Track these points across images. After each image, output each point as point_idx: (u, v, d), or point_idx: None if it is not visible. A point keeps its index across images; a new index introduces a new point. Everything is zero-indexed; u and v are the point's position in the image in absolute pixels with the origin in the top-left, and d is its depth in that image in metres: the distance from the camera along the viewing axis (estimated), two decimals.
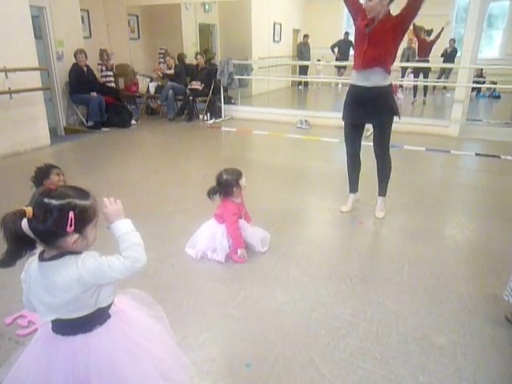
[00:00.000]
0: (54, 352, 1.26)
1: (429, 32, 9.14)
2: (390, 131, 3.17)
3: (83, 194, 1.21)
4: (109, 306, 1.30)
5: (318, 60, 10.47)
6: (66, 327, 1.25)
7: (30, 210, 1.11)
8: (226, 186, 2.67)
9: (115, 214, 1.28)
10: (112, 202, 1.29)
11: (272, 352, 1.88)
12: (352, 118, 3.21)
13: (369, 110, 3.06)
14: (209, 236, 2.72)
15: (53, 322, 1.26)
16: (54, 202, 1.13)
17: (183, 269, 2.60)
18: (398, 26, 2.84)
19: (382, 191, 3.38)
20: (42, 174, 2.63)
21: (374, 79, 2.97)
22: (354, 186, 3.48)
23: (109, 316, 1.31)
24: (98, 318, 1.28)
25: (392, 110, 3.08)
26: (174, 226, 3.21)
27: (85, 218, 1.19)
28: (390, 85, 3.08)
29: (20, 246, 1.14)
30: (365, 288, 2.40)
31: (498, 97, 10.54)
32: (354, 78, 3.09)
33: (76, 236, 1.17)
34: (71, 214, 1.13)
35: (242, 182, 2.71)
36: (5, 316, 2.09)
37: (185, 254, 2.75)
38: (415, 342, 1.96)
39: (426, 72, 9.18)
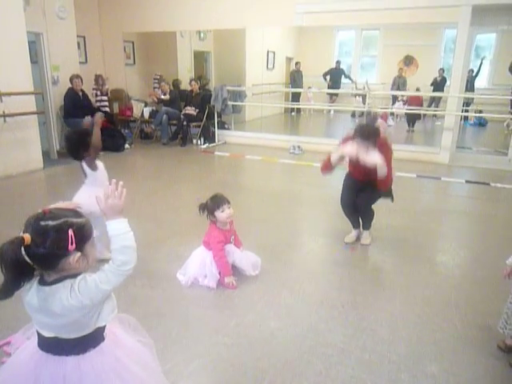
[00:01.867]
0: (42, 370, 1.23)
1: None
2: (378, 198, 3.30)
3: (76, 213, 1.22)
4: (105, 326, 1.29)
5: (309, 87, 10.66)
6: (60, 346, 1.23)
7: (28, 237, 1.10)
8: (209, 210, 2.68)
9: (111, 211, 1.26)
10: (112, 194, 1.27)
11: (264, 381, 1.85)
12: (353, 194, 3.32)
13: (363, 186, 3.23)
14: (199, 262, 2.71)
15: (48, 339, 1.23)
16: (50, 222, 1.13)
17: (174, 295, 2.58)
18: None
19: (367, 226, 3.43)
20: (85, 136, 2.92)
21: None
22: (355, 224, 3.46)
23: (103, 339, 1.29)
24: (93, 339, 1.26)
25: (386, 193, 3.25)
26: (166, 250, 3.19)
27: (83, 235, 1.19)
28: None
29: (19, 275, 1.12)
30: (357, 315, 2.39)
31: (484, 125, 10.76)
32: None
33: (78, 254, 1.16)
34: (70, 232, 1.14)
35: (223, 210, 2.65)
36: None
37: (176, 279, 2.73)
38: (407, 370, 1.94)
39: (414, 120, 9.41)
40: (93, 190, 2.58)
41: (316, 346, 2.11)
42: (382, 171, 3.02)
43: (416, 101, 9.04)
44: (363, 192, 3.26)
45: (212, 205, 2.67)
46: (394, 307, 2.48)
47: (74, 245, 1.14)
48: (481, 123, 10.78)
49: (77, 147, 2.90)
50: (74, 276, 1.18)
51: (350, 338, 2.18)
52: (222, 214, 2.65)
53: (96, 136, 2.95)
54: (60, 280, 1.17)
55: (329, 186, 5.32)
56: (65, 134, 2.98)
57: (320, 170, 3.31)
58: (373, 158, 2.98)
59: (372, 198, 3.29)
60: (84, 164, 2.94)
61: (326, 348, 2.09)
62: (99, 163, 3.01)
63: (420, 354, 2.06)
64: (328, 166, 3.20)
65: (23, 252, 1.10)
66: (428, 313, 2.43)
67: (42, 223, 1.13)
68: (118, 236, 1.24)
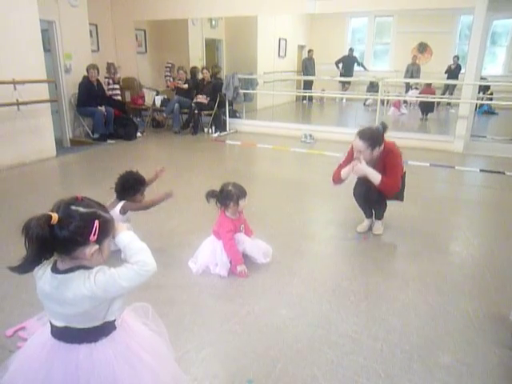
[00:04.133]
0: (55, 358, 1.25)
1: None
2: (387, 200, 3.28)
3: (104, 208, 1.26)
4: (115, 320, 1.30)
5: (323, 90, 10.68)
6: (71, 335, 1.25)
7: (55, 216, 1.11)
8: (225, 196, 2.66)
9: (119, 228, 1.31)
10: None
11: (275, 368, 1.86)
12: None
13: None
14: (210, 251, 2.72)
15: (59, 328, 1.25)
16: (81, 209, 1.16)
17: (186, 283, 2.59)
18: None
19: (379, 216, 3.40)
20: (140, 183, 2.97)
21: None
22: (367, 213, 3.43)
23: (114, 328, 1.30)
24: (104, 329, 1.27)
25: (397, 196, 3.21)
26: (178, 238, 3.20)
27: (106, 230, 1.21)
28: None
29: (41, 251, 1.13)
30: (369, 304, 2.38)
31: (495, 113, 10.56)
32: None
33: (96, 247, 1.18)
34: (96, 223, 1.16)
35: (242, 202, 2.69)
36: (6, 328, 2.08)
37: (188, 267, 2.74)
38: (420, 360, 1.93)
39: (428, 110, 9.25)
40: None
41: (328, 335, 2.10)
42: (375, 181, 3.01)
43: (428, 91, 8.89)
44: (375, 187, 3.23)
45: (236, 192, 2.65)
46: (406, 296, 2.46)
47: (95, 236, 1.16)
48: (490, 111, 10.56)
49: (128, 191, 2.90)
50: (88, 268, 1.19)
51: (362, 327, 2.17)
52: (243, 202, 2.69)
53: (153, 205, 3.01)
54: (73, 270, 1.18)
55: None
56: (123, 173, 2.98)
57: (332, 181, 3.27)
58: (361, 168, 2.99)
59: (384, 199, 3.27)
60: (121, 204, 2.88)
61: (337, 337, 2.08)
62: (128, 216, 2.94)
63: (433, 344, 2.04)
64: (339, 179, 3.19)
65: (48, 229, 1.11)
66: (441, 302, 2.40)
67: (73, 207, 1.15)
68: (131, 242, 1.28)
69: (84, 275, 1.17)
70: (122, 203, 2.87)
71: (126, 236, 1.29)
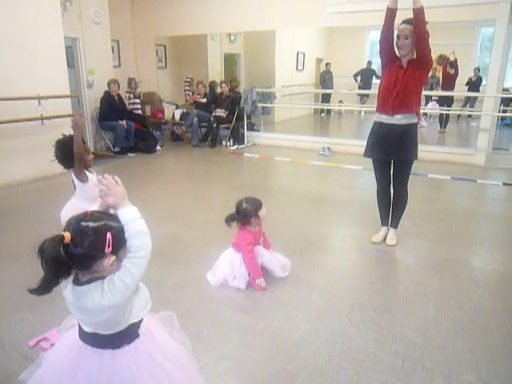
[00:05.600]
0: (81, 361, 1.28)
1: (452, 64, 9.11)
2: (411, 169, 3.21)
3: (115, 217, 1.25)
4: (139, 322, 1.31)
5: (340, 101, 10.68)
6: (97, 340, 1.27)
7: (68, 235, 1.13)
8: (244, 215, 2.67)
9: (119, 199, 1.27)
10: (111, 182, 1.27)
11: None
12: (375, 155, 3.26)
13: (392, 148, 3.10)
14: (228, 264, 2.72)
15: (87, 333, 1.27)
16: (91, 224, 1.17)
17: (204, 295, 2.59)
18: (419, 64, 2.95)
19: (395, 223, 3.38)
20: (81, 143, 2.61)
21: (401, 118, 3.04)
22: (385, 220, 3.43)
23: (137, 335, 1.31)
24: (127, 335, 1.29)
25: (415, 151, 3.13)
26: (196, 250, 3.22)
27: (120, 240, 1.21)
28: (416, 123, 3.12)
29: (58, 272, 1.15)
30: (389, 320, 2.34)
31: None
32: (379, 116, 3.15)
33: (113, 258, 1.19)
34: (109, 235, 1.17)
35: (262, 212, 2.70)
36: (29, 338, 2.11)
37: (206, 279, 2.75)
38: (442, 377, 1.88)
39: (448, 103, 9.12)
40: (82, 204, 2.36)
41: (347, 350, 2.07)
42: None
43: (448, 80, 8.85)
44: (396, 170, 3.22)
45: (252, 206, 2.67)
46: (427, 312, 2.41)
47: (110, 248, 1.17)
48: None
49: (70, 155, 2.60)
50: (104, 277, 1.21)
51: (382, 343, 2.13)
52: (263, 212, 2.70)
53: (76, 142, 2.59)
54: (92, 281, 1.20)
55: (359, 187, 5.26)
56: (57, 140, 2.72)
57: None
58: None
59: (405, 173, 3.21)
60: (72, 173, 2.71)
61: (357, 353, 2.05)
62: (91, 175, 2.72)
63: (455, 362, 1.99)
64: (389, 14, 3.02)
65: (62, 250, 1.12)
66: (464, 319, 2.35)
67: (83, 224, 1.16)
68: (132, 222, 1.23)
69: (99, 286, 1.19)
70: (72, 173, 2.70)
71: (128, 212, 1.25)
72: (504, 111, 8.57)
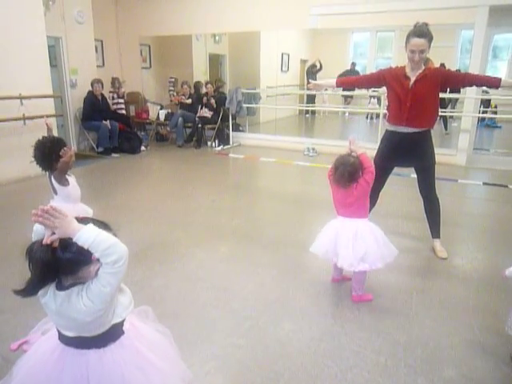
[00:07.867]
0: (65, 362, 1.26)
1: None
2: (434, 173, 3.20)
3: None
4: (122, 322, 1.31)
5: (325, 89, 10.64)
6: (81, 342, 1.26)
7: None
8: (356, 168, 2.46)
9: (66, 226, 1.13)
10: (52, 214, 1.11)
11: (278, 383, 1.85)
12: (391, 163, 3.22)
13: (410, 156, 3.10)
14: (333, 236, 2.56)
15: (70, 338, 1.25)
16: None
17: (189, 296, 2.59)
18: (445, 82, 3.00)
19: (436, 233, 3.31)
20: (59, 145, 2.58)
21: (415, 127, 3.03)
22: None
23: (122, 332, 1.31)
24: (112, 334, 1.28)
25: (433, 155, 3.14)
26: (181, 251, 3.21)
27: None
28: (430, 129, 3.12)
29: (45, 275, 1.14)
30: (373, 318, 2.38)
31: (498, 126, 10.59)
32: (392, 125, 3.13)
33: (99, 265, 1.17)
34: None
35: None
36: (10, 341, 2.08)
37: (191, 280, 2.75)
38: (424, 374, 1.92)
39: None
40: (65, 206, 2.32)
41: (331, 349, 2.10)
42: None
43: None
44: (419, 177, 3.22)
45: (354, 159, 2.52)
46: (409, 310, 2.46)
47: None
48: (492, 125, 10.58)
49: (50, 157, 2.58)
50: (84, 283, 1.19)
51: (366, 341, 2.16)
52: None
53: (68, 155, 2.58)
54: (74, 285, 1.19)
55: None
56: (37, 141, 2.66)
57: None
58: None
59: (430, 179, 3.18)
60: (52, 178, 2.66)
61: (341, 351, 2.08)
62: (70, 178, 2.73)
63: (437, 358, 2.03)
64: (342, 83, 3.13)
65: (51, 254, 1.12)
66: (445, 316, 2.40)
67: None
68: (94, 242, 1.12)
69: (80, 291, 1.17)
70: (52, 177, 2.65)
71: (84, 236, 1.11)
72: (484, 112, 8.77)
